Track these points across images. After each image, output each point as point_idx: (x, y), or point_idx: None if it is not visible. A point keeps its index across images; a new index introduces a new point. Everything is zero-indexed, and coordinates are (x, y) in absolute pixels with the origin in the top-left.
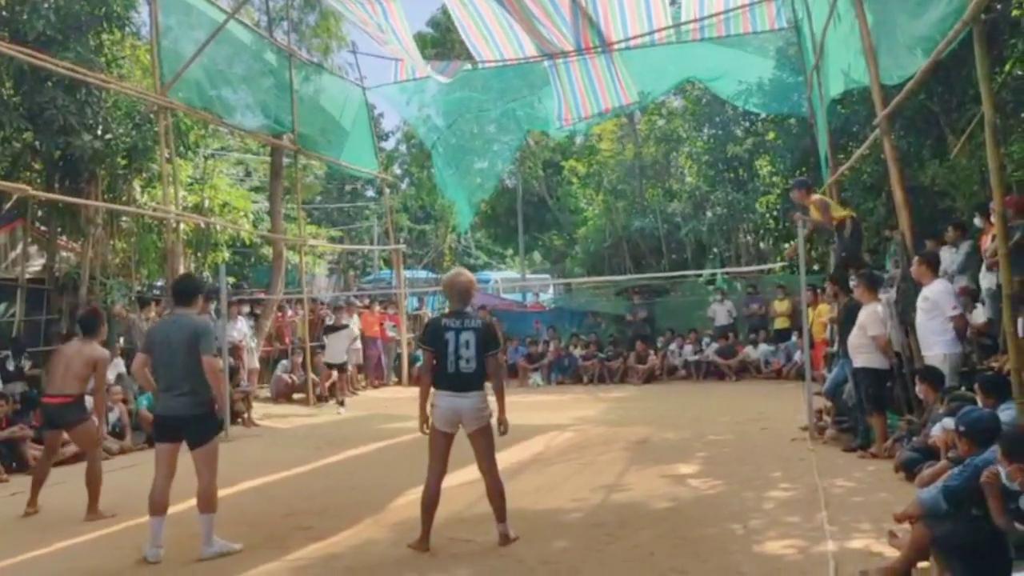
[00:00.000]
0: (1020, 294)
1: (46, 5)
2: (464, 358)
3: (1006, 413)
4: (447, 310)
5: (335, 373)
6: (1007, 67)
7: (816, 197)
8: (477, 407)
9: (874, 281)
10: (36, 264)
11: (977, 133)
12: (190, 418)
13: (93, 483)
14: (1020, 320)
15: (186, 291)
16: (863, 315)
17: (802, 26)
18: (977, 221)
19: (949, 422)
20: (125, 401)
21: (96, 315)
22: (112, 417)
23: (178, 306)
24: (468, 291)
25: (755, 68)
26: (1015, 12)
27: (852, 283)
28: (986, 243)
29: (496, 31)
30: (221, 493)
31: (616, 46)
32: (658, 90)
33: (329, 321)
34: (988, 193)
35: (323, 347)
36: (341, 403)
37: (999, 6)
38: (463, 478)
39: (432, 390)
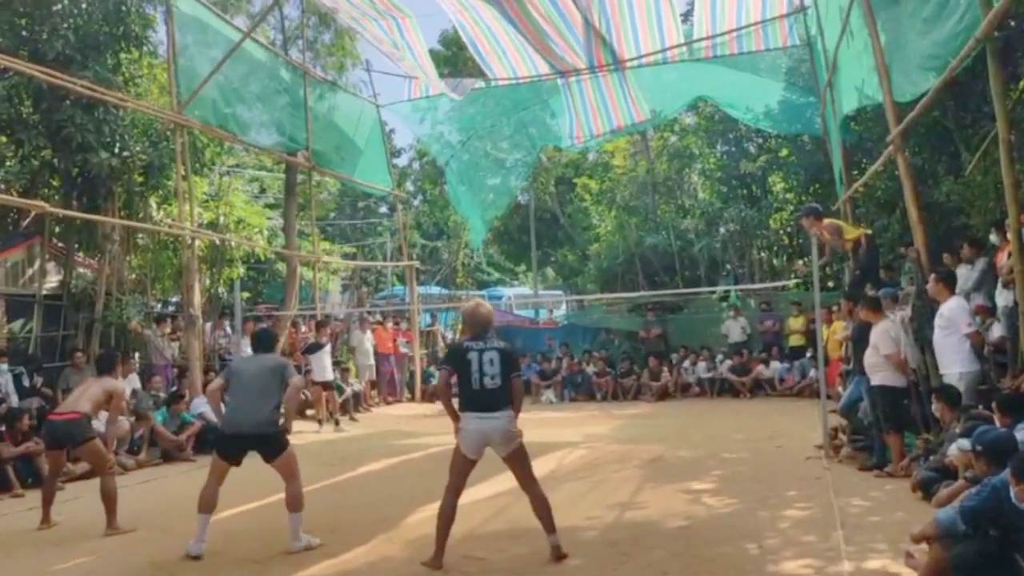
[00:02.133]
0: None
1: (65, 25)
2: (489, 375)
3: (1023, 432)
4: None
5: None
6: (1021, 84)
7: (827, 222)
8: (506, 430)
9: (876, 302)
10: (53, 280)
11: (992, 150)
12: (257, 436)
13: (108, 500)
14: None
15: (266, 341)
16: (874, 334)
17: (815, 43)
18: (993, 238)
19: (965, 442)
20: (144, 418)
21: (111, 356)
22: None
23: (258, 352)
24: (488, 322)
25: (767, 90)
26: None
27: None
28: (1002, 260)
29: (509, 49)
30: (236, 510)
31: (628, 64)
32: (670, 108)
33: (311, 339)
34: (1003, 210)
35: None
36: (337, 422)
37: (1012, 23)
38: (479, 495)
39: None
